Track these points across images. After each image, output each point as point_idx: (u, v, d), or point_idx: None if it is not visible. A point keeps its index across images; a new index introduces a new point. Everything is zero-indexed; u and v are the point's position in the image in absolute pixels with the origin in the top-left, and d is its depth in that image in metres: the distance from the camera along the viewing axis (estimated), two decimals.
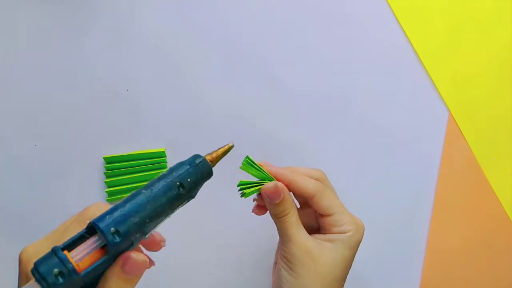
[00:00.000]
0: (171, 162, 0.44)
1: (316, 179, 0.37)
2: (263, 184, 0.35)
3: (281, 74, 0.47)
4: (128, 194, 0.42)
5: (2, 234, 0.42)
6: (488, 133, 0.50)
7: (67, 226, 0.29)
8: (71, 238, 0.25)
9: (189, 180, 0.28)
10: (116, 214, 0.25)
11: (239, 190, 0.35)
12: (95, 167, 0.43)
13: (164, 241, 0.32)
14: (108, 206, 0.27)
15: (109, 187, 0.43)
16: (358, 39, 0.48)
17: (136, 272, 0.26)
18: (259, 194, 0.36)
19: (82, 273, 0.24)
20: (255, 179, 0.35)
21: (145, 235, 0.27)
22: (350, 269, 0.43)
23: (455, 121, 0.49)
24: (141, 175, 0.43)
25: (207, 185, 0.45)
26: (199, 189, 0.30)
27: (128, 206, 0.25)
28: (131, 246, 0.26)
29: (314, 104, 0.48)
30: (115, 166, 0.43)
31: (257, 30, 0.47)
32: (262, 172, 0.35)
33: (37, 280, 0.23)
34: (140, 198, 0.26)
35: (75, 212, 0.43)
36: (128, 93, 0.45)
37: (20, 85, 0.44)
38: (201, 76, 0.46)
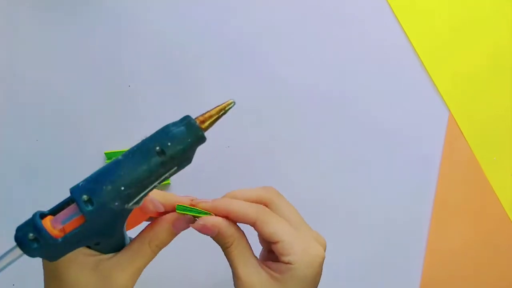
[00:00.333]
0: None
1: (261, 201, 0.33)
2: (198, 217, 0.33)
3: (281, 73, 0.48)
4: None
5: (1, 232, 0.43)
6: (488, 133, 0.50)
7: None
8: (56, 205, 0.25)
9: (169, 144, 0.25)
10: (90, 182, 0.24)
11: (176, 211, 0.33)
12: (96, 162, 0.44)
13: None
14: None
15: None
16: (358, 39, 0.49)
17: (183, 228, 0.32)
18: None
19: (60, 239, 0.24)
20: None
21: (134, 203, 0.25)
22: (350, 269, 0.43)
23: (455, 121, 0.49)
24: None
25: (207, 185, 0.45)
26: (191, 154, 0.26)
27: (102, 175, 0.24)
28: (122, 211, 0.25)
29: (314, 104, 0.48)
30: None
31: (257, 29, 0.48)
32: (199, 212, 0.33)
33: (17, 245, 0.24)
34: (114, 166, 0.24)
35: None
36: (130, 88, 0.45)
37: (22, 80, 0.44)
38: (203, 73, 0.47)
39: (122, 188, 0.24)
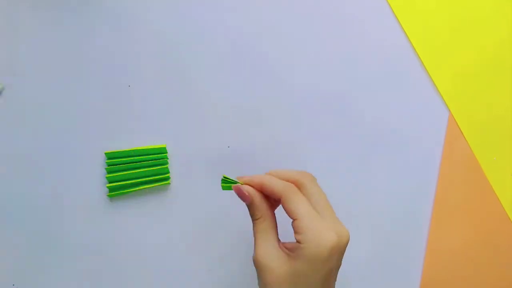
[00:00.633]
0: (172, 158, 0.45)
1: (295, 182, 0.36)
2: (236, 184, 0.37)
3: (281, 73, 0.48)
4: (128, 190, 0.43)
5: (1, 232, 0.43)
6: (488, 133, 0.50)
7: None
8: None
9: None
10: None
11: (221, 183, 0.38)
12: (96, 162, 0.44)
13: None
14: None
15: (110, 183, 0.43)
16: (357, 39, 0.49)
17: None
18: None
19: None
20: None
21: None
22: (350, 269, 0.43)
23: (455, 121, 0.49)
24: (142, 171, 0.44)
25: (207, 184, 0.45)
26: None
27: None
28: None
29: (314, 104, 0.48)
30: (116, 162, 0.43)
31: (257, 29, 0.48)
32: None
33: None
34: None
35: (76, 207, 0.43)
36: (130, 88, 0.45)
37: (22, 80, 0.44)
38: (203, 73, 0.47)
39: None
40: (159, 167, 0.44)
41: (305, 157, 0.47)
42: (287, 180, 0.36)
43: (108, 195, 0.43)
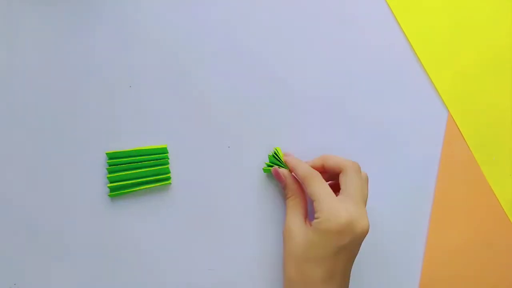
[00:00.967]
0: (173, 158, 0.45)
1: (339, 167, 0.41)
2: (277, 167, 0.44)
3: (281, 73, 0.48)
4: (129, 190, 0.43)
5: (2, 231, 0.43)
6: (487, 133, 0.50)
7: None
8: None
9: None
10: None
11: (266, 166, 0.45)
12: (97, 162, 0.44)
13: None
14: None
15: (111, 183, 0.43)
16: (357, 40, 0.49)
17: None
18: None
19: None
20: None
21: None
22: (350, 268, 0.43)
23: (454, 121, 0.49)
24: (143, 171, 0.44)
25: (207, 183, 0.45)
26: None
27: None
28: None
29: (314, 104, 0.48)
30: (117, 162, 0.44)
31: (258, 30, 0.48)
32: (282, 164, 0.45)
33: None
34: None
35: (76, 207, 0.43)
36: (131, 89, 0.45)
37: (23, 80, 0.44)
38: (203, 73, 0.47)
39: None
40: (160, 167, 0.44)
41: (305, 157, 0.47)
42: (332, 165, 0.42)
43: (109, 195, 0.44)
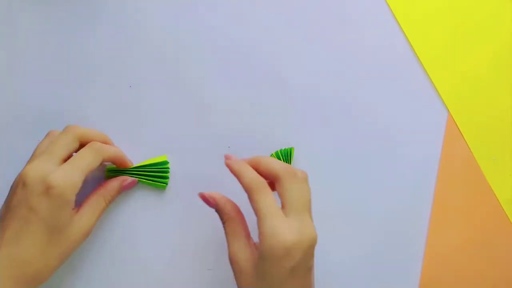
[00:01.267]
0: (173, 165, 0.45)
1: (274, 175, 0.37)
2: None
3: (280, 73, 0.48)
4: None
5: None
6: (488, 134, 0.50)
7: (60, 143, 0.38)
8: None
9: None
10: None
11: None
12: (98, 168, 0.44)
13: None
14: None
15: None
16: (357, 40, 0.49)
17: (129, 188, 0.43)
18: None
19: None
20: None
21: None
22: (349, 269, 0.43)
23: (454, 121, 0.49)
24: (143, 181, 0.44)
25: (207, 182, 0.45)
26: None
27: None
28: None
29: (314, 105, 0.48)
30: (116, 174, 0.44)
31: (257, 30, 0.48)
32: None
33: None
34: None
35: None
36: (131, 89, 0.45)
37: (22, 80, 0.44)
38: (204, 74, 0.47)
39: None
40: (161, 179, 0.44)
41: (305, 157, 0.47)
42: (267, 172, 0.37)
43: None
